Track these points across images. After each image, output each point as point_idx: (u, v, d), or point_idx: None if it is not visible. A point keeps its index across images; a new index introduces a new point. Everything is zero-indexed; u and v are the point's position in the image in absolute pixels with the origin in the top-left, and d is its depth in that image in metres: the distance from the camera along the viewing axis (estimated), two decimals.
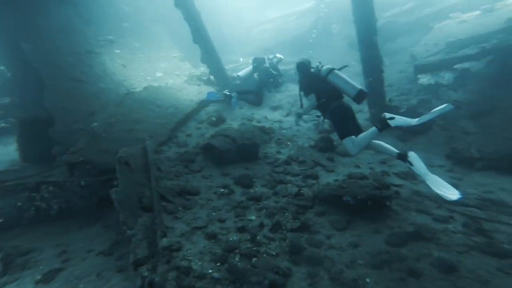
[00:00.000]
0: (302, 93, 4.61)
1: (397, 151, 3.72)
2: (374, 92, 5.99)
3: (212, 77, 8.02)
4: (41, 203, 4.37)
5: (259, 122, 7.20)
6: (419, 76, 6.76)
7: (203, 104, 7.34)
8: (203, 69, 8.73)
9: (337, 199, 3.84)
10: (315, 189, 4.36)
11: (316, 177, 4.86)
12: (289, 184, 4.64)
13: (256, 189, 4.50)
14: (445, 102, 3.39)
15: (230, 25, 14.54)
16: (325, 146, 5.82)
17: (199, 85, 8.10)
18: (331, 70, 4.06)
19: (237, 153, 5.42)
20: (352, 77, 4.15)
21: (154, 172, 4.36)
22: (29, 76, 7.69)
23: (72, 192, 4.58)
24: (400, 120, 3.53)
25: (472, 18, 8.52)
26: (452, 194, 3.22)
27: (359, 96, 3.91)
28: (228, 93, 5.62)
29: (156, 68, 9.22)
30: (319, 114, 4.57)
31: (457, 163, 5.02)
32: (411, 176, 4.57)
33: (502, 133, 5.00)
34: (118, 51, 9.08)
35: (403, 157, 3.61)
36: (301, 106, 4.83)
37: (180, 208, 3.91)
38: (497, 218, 3.43)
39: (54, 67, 7.31)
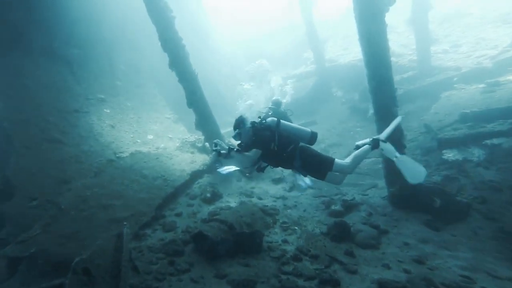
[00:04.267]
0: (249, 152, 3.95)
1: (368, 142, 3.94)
2: (393, 168, 5.27)
3: (207, 144, 7.31)
4: None
5: (260, 198, 6.28)
6: (444, 151, 6.19)
7: (196, 175, 6.46)
8: (197, 135, 8.06)
9: None
10: None
11: (336, 283, 3.79)
12: None
13: None
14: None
15: (226, 84, 14.49)
16: (340, 234, 4.84)
17: (192, 152, 7.32)
18: (279, 120, 4.04)
19: (235, 244, 4.40)
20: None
21: (127, 279, 3.26)
22: (3, 135, 6.83)
23: None
24: (388, 147, 3.87)
25: (478, 90, 8.40)
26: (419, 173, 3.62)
27: (313, 137, 4.03)
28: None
29: (148, 130, 8.54)
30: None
31: None
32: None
33: None
34: (108, 110, 8.46)
35: (376, 143, 3.87)
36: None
37: None
38: None
39: (30, 126, 6.52)
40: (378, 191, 6.06)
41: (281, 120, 4.05)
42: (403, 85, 10.38)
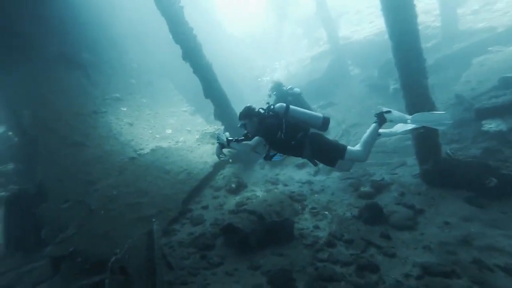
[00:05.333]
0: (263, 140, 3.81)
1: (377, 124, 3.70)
2: (425, 143, 4.96)
3: (227, 133, 7.15)
4: None
5: (285, 185, 6.13)
6: (484, 122, 5.70)
7: (218, 166, 6.37)
8: (216, 126, 7.94)
9: None
10: None
11: (375, 268, 3.63)
12: (343, 283, 3.44)
13: None
14: None
15: (240, 74, 14.24)
16: (372, 216, 4.63)
17: (213, 143, 7.23)
18: (288, 106, 3.78)
19: (265, 234, 4.30)
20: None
21: (162, 276, 3.24)
22: (32, 143, 6.99)
23: None
24: (396, 113, 3.64)
25: None
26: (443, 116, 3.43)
27: (325, 123, 3.76)
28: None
29: (165, 125, 8.52)
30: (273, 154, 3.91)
31: None
32: None
33: None
34: (124, 108, 8.50)
35: (381, 117, 3.67)
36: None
37: None
38: None
39: (53, 132, 6.62)
40: (408, 169, 5.75)
41: (290, 106, 3.76)
42: (427, 55, 9.77)
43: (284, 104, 3.75)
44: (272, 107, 3.83)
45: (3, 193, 7.84)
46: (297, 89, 6.58)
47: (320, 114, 3.77)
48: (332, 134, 9.19)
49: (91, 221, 4.65)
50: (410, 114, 4.36)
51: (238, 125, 4.02)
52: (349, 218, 4.89)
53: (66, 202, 5.02)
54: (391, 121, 3.68)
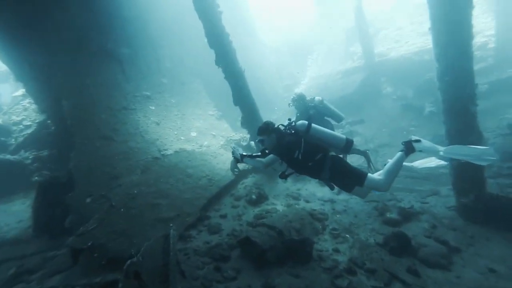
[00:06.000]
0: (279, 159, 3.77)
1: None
2: (466, 174, 4.59)
3: (252, 143, 7.11)
4: None
5: (307, 201, 5.93)
6: None
7: (241, 175, 6.29)
8: (242, 134, 7.89)
9: None
10: None
11: None
12: None
13: None
14: None
15: (270, 81, 14.17)
16: (399, 247, 4.33)
17: None
18: (310, 124, 3.62)
19: (284, 252, 4.13)
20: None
21: (175, 284, 3.16)
22: (67, 132, 7.27)
23: None
24: (426, 143, 3.45)
25: None
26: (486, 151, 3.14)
27: (348, 145, 3.60)
28: None
29: (191, 127, 8.58)
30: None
31: None
32: None
33: None
34: (153, 107, 8.65)
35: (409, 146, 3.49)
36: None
37: None
38: None
39: (88, 123, 6.83)
40: (441, 200, 5.39)
41: (312, 125, 3.59)
42: (477, 79, 9.23)
43: (306, 122, 3.59)
44: (293, 123, 3.69)
45: (36, 178, 8.22)
46: (318, 98, 6.45)
47: (343, 136, 3.64)
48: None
49: (111, 216, 4.68)
50: (451, 142, 4.09)
51: (256, 140, 3.93)
52: (372, 245, 4.62)
53: (90, 196, 5.10)
54: (420, 151, 3.47)
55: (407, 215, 5.15)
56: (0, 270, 4.82)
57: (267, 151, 3.71)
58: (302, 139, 3.54)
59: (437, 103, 8.77)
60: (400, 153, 3.57)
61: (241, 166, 4.02)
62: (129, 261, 3.06)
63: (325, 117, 6.53)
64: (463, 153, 3.28)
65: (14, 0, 6.67)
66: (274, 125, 3.75)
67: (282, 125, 3.74)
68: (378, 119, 10.89)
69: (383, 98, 12.15)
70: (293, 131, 3.63)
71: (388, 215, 5.28)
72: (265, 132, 3.67)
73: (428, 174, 6.38)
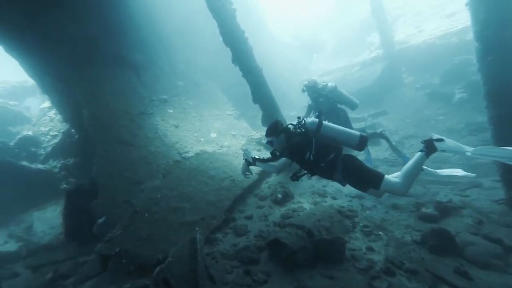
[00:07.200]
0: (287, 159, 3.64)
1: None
2: None
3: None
4: None
5: (334, 198, 5.67)
6: None
7: (264, 174, 6.12)
8: (262, 132, 7.72)
9: None
10: None
11: None
12: None
13: None
14: None
15: (285, 77, 13.91)
16: (441, 245, 3.98)
17: (259, 150, 7.02)
18: (320, 122, 3.41)
19: (313, 252, 3.92)
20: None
21: None
22: (88, 140, 7.39)
23: None
24: (450, 143, 3.21)
25: None
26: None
27: (362, 143, 3.37)
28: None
29: (210, 128, 8.50)
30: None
31: None
32: None
33: None
34: (171, 110, 8.64)
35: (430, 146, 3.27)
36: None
37: None
38: None
39: (107, 131, 6.88)
40: (484, 192, 4.96)
41: (323, 123, 3.39)
42: None
43: (317, 120, 3.40)
44: (303, 122, 3.51)
45: (64, 185, 8.46)
46: (331, 84, 6.23)
47: (357, 133, 3.42)
48: (384, 145, 8.50)
49: (135, 222, 4.64)
50: (495, 129, 3.76)
51: (265, 142, 3.79)
52: (409, 243, 4.30)
53: (102, 216, 5.13)
54: (443, 151, 3.25)
55: (446, 210, 4.78)
56: (38, 274, 5.07)
57: (277, 153, 3.58)
58: (313, 139, 3.38)
59: (468, 89, 8.25)
60: (419, 153, 3.34)
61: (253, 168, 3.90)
62: (157, 268, 2.96)
63: (339, 105, 6.31)
64: (494, 154, 3.00)
65: (30, 19, 6.83)
66: (282, 125, 3.61)
67: (292, 124, 3.59)
68: (401, 110, 10.43)
69: (405, 88, 11.64)
70: (303, 130, 3.47)
71: (423, 210, 4.94)
72: (274, 133, 3.54)
73: (466, 164, 5.95)
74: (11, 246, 6.56)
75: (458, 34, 10.26)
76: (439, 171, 3.67)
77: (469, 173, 3.45)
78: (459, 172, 3.54)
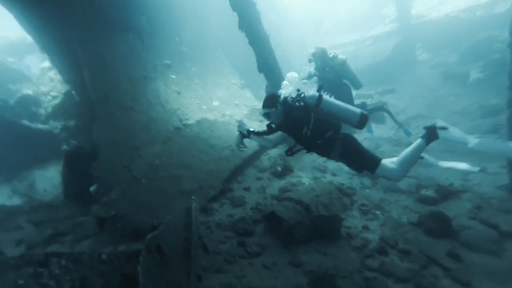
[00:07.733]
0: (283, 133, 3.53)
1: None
2: None
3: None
4: (50, 280, 3.32)
5: (334, 174, 5.61)
6: None
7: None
8: None
9: None
10: None
11: None
12: None
13: None
14: None
15: (294, 50, 13.34)
16: (438, 228, 3.96)
17: (261, 121, 6.85)
18: (320, 97, 3.25)
19: (310, 228, 3.92)
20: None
21: (197, 259, 3.05)
22: (90, 102, 7.24)
23: (89, 267, 3.48)
24: (454, 133, 3.08)
25: None
26: None
27: (362, 121, 3.21)
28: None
29: (213, 96, 8.28)
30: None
31: None
32: None
33: None
34: (173, 76, 8.37)
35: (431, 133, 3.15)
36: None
37: None
38: None
39: (109, 94, 6.70)
40: (487, 177, 4.86)
41: (324, 97, 3.22)
42: None
43: (317, 94, 3.23)
44: (302, 95, 3.34)
45: (65, 147, 8.46)
46: (341, 57, 5.93)
47: (357, 110, 3.28)
48: (389, 124, 8.32)
49: (133, 188, 4.63)
50: None
51: (261, 114, 3.63)
52: (406, 224, 4.30)
53: (95, 184, 5.10)
54: (445, 139, 3.14)
55: (446, 193, 4.73)
56: (39, 230, 5.23)
57: (273, 126, 3.44)
58: (312, 114, 3.25)
59: (488, 68, 7.83)
60: (420, 139, 3.21)
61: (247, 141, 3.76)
62: (150, 235, 2.94)
63: (344, 80, 6.07)
64: (498, 149, 3.00)
65: None
66: (280, 96, 3.42)
67: (291, 96, 3.41)
68: (413, 89, 10.06)
69: (418, 65, 11.13)
70: (302, 104, 3.31)
71: (423, 192, 4.89)
72: (271, 104, 3.37)
73: (471, 148, 5.78)
74: (15, 201, 6.75)
75: (485, 7, 9.47)
76: (440, 162, 3.60)
77: (473, 168, 3.38)
78: (463, 165, 3.47)
